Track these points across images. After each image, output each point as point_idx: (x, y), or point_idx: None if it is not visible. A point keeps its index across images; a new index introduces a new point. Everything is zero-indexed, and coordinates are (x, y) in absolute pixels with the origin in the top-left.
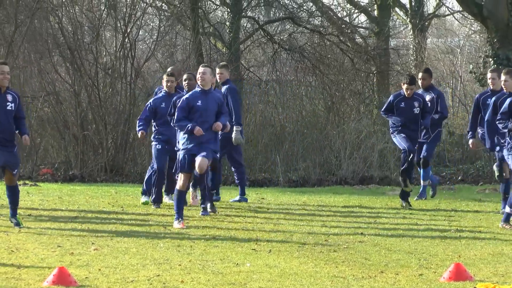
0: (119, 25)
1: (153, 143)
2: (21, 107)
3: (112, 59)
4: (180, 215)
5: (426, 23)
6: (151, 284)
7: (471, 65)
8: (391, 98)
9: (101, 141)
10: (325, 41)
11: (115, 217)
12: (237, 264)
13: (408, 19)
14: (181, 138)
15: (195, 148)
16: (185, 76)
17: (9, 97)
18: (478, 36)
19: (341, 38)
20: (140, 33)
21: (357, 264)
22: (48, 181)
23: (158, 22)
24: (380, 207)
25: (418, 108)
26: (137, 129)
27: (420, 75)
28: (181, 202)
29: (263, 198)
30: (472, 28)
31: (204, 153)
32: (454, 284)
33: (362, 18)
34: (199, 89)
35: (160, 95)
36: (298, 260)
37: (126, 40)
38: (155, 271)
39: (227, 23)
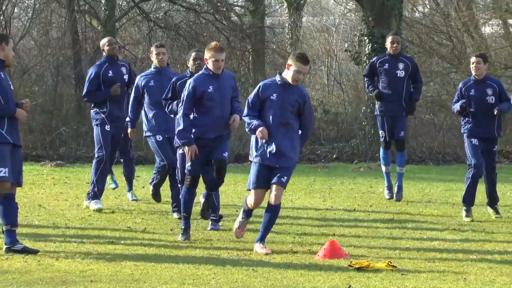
0: None
1: (148, 134)
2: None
3: None
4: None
5: (302, 2)
6: (25, 262)
7: (346, 44)
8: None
9: None
10: (201, 19)
11: None
12: (112, 242)
13: None
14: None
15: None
16: (193, 55)
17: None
18: (353, 15)
19: (216, 16)
20: (15, 10)
21: (232, 241)
22: None
23: None
24: None
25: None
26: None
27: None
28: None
29: (138, 176)
30: (348, 7)
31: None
32: (328, 261)
33: None
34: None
35: (148, 71)
36: (172, 237)
37: (1, 17)
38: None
39: (103, 1)
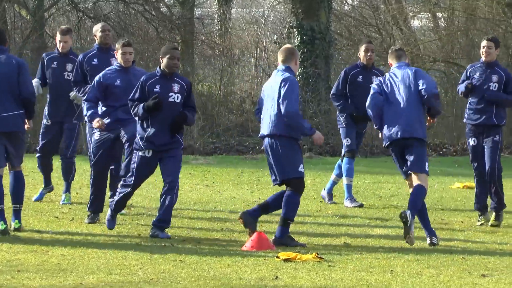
0: None
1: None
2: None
3: None
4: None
5: None
6: None
7: (275, 36)
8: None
9: None
10: (130, 10)
11: None
12: (39, 231)
13: None
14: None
15: None
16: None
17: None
18: (282, 7)
19: (146, 7)
20: None
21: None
22: None
23: None
24: (183, 176)
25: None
26: (89, 114)
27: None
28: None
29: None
30: None
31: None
32: (256, 253)
33: None
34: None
35: (112, 68)
36: (100, 227)
37: None
38: None
39: None
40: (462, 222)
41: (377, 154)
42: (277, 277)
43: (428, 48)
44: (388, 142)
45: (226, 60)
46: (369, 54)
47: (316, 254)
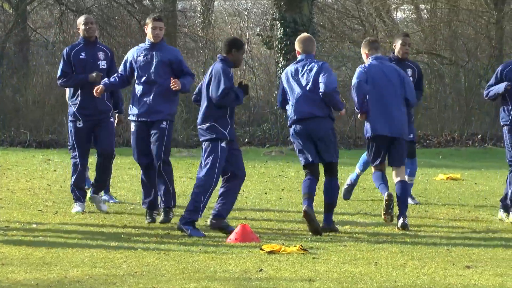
0: None
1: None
2: None
3: None
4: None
5: None
6: None
7: (258, 28)
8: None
9: None
10: (112, 3)
11: None
12: (23, 225)
13: None
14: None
15: None
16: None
17: None
18: None
19: (128, 0)
20: None
21: (144, 225)
22: None
23: None
24: None
25: None
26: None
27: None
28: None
29: (49, 160)
30: None
31: None
32: (240, 245)
33: None
34: None
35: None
36: (84, 221)
37: None
38: None
39: None
40: (446, 213)
41: (360, 146)
42: (261, 269)
43: (411, 40)
44: (373, 135)
45: (209, 52)
46: (406, 47)
47: (300, 247)
